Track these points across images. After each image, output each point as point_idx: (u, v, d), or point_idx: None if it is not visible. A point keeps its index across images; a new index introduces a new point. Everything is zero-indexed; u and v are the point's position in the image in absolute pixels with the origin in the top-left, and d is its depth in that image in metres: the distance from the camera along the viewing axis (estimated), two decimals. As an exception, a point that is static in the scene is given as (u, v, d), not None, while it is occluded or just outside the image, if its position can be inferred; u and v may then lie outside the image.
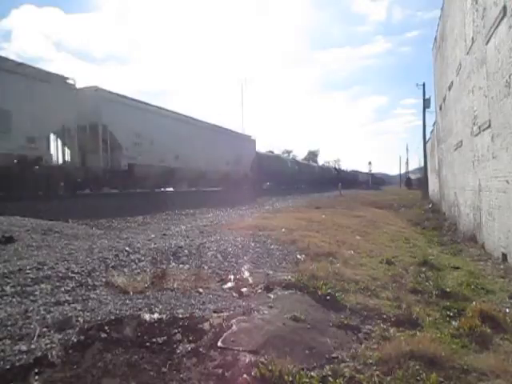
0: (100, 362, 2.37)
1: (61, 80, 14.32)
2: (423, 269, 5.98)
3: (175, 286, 3.92)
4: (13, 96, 12.07)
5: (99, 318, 2.95)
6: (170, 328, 2.88)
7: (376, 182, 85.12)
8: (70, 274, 3.98)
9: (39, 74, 13.40)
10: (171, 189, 21.99)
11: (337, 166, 71.92)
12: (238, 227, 8.21)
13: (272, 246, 6.40)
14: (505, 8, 5.91)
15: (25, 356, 2.34)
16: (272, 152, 42.22)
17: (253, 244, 6.39)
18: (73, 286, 3.69)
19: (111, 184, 16.82)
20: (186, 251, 5.47)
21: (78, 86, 15.09)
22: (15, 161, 12.30)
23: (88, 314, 3.03)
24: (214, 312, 3.30)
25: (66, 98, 14.10)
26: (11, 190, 12.56)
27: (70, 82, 14.71)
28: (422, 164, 35.31)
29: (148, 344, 2.63)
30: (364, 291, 4.43)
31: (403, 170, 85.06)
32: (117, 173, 16.19)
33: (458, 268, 6.33)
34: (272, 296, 3.92)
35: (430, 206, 20.89)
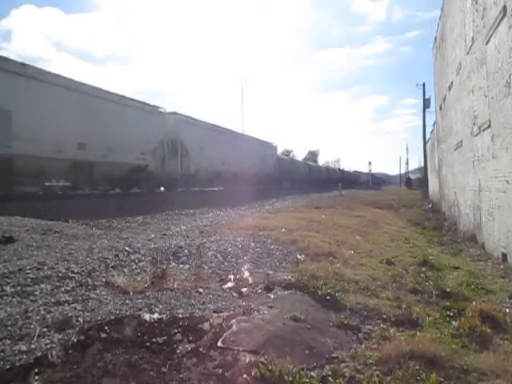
0: (100, 361, 2.37)
1: (156, 109, 19.36)
2: (423, 269, 5.99)
3: (175, 285, 3.92)
4: (130, 124, 16.94)
5: (99, 318, 2.95)
6: (170, 328, 2.88)
7: (376, 182, 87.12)
8: (69, 273, 3.98)
9: (144, 107, 18.46)
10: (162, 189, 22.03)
11: (340, 167, 76.22)
12: (238, 227, 8.21)
13: (272, 246, 6.40)
14: (505, 8, 5.91)
15: (25, 356, 2.34)
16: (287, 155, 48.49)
17: (253, 244, 6.39)
18: (73, 286, 3.69)
19: (182, 184, 21.34)
20: (186, 251, 5.47)
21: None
22: (133, 168, 17.48)
23: (88, 313, 3.03)
24: (214, 312, 3.30)
25: (159, 122, 19.09)
26: (129, 188, 18.19)
27: (161, 110, 19.77)
28: (422, 164, 35.34)
29: (148, 344, 2.63)
30: (364, 291, 4.43)
31: (403, 170, 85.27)
32: (187, 176, 21.17)
33: (457, 268, 6.33)
34: (272, 296, 3.92)
35: (430, 206, 20.90)
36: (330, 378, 2.45)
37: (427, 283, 5.02)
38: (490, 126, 7.26)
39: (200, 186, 23.73)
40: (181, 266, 4.86)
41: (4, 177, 11.85)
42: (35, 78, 12.73)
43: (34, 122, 12.27)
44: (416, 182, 52.98)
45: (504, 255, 6.61)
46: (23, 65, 12.72)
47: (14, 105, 11.86)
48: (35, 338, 2.55)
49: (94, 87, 15.62)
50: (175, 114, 21.12)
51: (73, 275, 3.96)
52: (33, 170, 12.70)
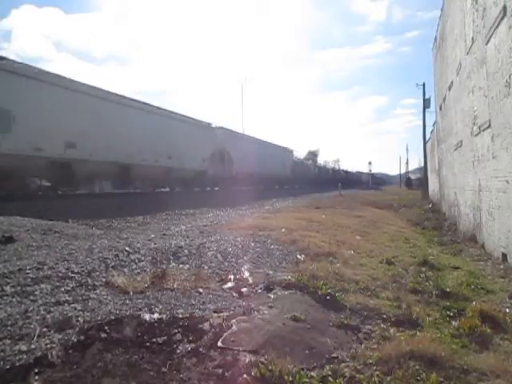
0: (100, 362, 2.37)
1: (209, 125, 25.05)
2: (423, 269, 5.99)
3: (175, 285, 3.92)
4: (195, 138, 22.49)
5: (99, 318, 2.94)
6: (170, 328, 2.88)
7: (376, 182, 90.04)
8: (69, 273, 3.98)
9: (202, 124, 24.13)
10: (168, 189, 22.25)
11: (344, 168, 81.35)
12: (238, 227, 8.21)
13: (272, 246, 6.40)
14: (505, 8, 5.91)
15: (25, 356, 2.34)
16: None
17: (253, 244, 6.39)
18: (73, 286, 3.69)
19: (228, 184, 25.88)
20: (186, 251, 5.47)
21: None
22: (197, 172, 23.02)
23: (88, 313, 3.03)
24: (214, 312, 3.30)
25: (212, 136, 24.59)
26: (193, 187, 23.30)
27: (213, 126, 25.45)
28: (422, 164, 35.35)
29: (148, 344, 2.63)
30: (364, 291, 4.43)
31: (403, 170, 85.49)
32: (231, 177, 26.12)
33: (457, 268, 6.33)
34: (272, 296, 3.92)
35: (430, 206, 20.90)
36: (330, 378, 2.45)
37: (427, 283, 5.02)
38: (489, 126, 7.26)
39: (240, 186, 28.72)
40: (181, 265, 4.86)
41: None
42: (123, 105, 17.43)
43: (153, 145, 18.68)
44: (416, 182, 52.98)
45: (504, 255, 6.61)
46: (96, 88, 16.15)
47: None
48: (35, 338, 2.55)
49: (175, 114, 22.03)
50: (222, 128, 26.50)
51: (73, 275, 3.96)
52: (143, 175, 18.80)
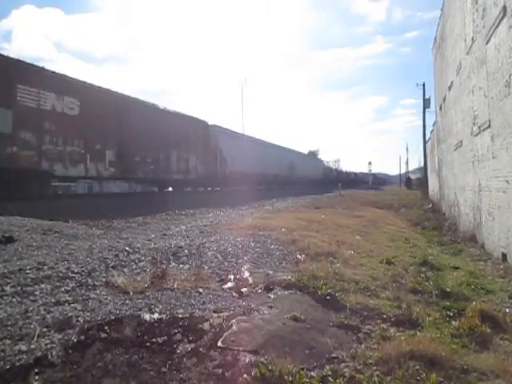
0: (100, 362, 2.37)
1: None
2: (423, 269, 5.99)
3: (175, 286, 3.92)
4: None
5: (99, 318, 2.95)
6: (170, 328, 2.88)
7: (377, 182, 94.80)
8: (70, 273, 3.98)
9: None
10: (170, 189, 22.16)
11: (353, 171, 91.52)
12: (238, 227, 8.21)
13: (272, 246, 6.40)
14: (505, 8, 5.91)
15: (25, 356, 2.34)
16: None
17: (253, 244, 6.38)
18: (73, 286, 3.69)
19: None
20: (186, 251, 5.47)
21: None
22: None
23: (88, 313, 3.03)
24: (214, 312, 3.30)
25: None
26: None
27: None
28: (422, 164, 35.33)
29: (148, 344, 2.63)
30: (364, 291, 4.43)
31: (403, 170, 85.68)
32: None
33: (457, 268, 6.33)
34: (272, 296, 3.92)
35: (430, 206, 20.89)
36: (330, 378, 2.45)
37: (427, 283, 5.02)
38: (489, 125, 7.26)
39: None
40: (181, 265, 4.86)
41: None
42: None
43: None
44: (416, 182, 52.96)
45: (504, 255, 6.61)
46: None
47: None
48: (35, 338, 2.55)
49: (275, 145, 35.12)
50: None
51: (73, 275, 3.96)
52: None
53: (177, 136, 19.33)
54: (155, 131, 17.48)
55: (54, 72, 13.15)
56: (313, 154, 67.99)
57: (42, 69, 12.90)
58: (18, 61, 12.14)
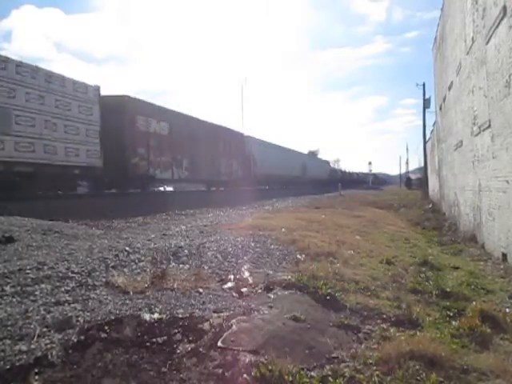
0: (100, 362, 2.37)
1: (241, 134, 29.42)
2: (423, 269, 5.99)
3: (175, 285, 3.92)
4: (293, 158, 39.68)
5: (99, 318, 2.94)
6: (170, 328, 2.88)
7: (377, 182, 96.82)
8: (70, 273, 3.98)
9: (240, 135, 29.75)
10: (171, 189, 22.18)
11: (356, 171, 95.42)
12: (238, 227, 8.21)
13: (272, 246, 6.39)
14: (505, 8, 5.91)
15: (25, 356, 2.34)
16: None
17: (253, 244, 6.38)
18: (73, 286, 3.69)
19: (252, 183, 29.06)
20: (186, 251, 5.47)
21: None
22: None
23: (88, 313, 3.03)
24: (214, 312, 3.30)
25: (242, 143, 28.44)
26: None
27: (245, 135, 29.98)
28: (422, 164, 35.33)
29: (148, 344, 2.63)
30: (364, 291, 4.43)
31: (403, 170, 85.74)
32: (255, 177, 29.51)
33: (457, 268, 6.33)
34: (272, 296, 3.92)
35: (430, 206, 20.89)
36: (329, 378, 2.45)
37: (427, 283, 5.02)
38: (489, 125, 7.26)
39: (264, 185, 34.14)
40: (181, 266, 4.86)
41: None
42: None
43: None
44: (416, 182, 52.98)
45: (504, 255, 6.60)
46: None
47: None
48: (35, 338, 2.55)
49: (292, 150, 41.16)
50: (249, 136, 31.05)
51: (73, 275, 3.96)
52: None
53: (224, 146, 24.92)
54: (212, 143, 23.17)
55: (154, 104, 18.79)
56: (313, 154, 71.70)
57: (150, 103, 18.38)
58: (136, 99, 17.18)
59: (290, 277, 4.49)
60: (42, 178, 12.73)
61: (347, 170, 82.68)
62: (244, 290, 4.07)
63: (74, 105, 13.96)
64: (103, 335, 2.68)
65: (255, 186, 29.63)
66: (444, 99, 15.39)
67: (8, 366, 2.23)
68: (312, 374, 2.49)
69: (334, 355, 2.82)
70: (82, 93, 14.42)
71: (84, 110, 14.44)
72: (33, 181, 12.39)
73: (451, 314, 3.92)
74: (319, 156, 72.09)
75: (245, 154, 28.25)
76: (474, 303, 4.09)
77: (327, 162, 64.38)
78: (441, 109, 17.28)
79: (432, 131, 26.12)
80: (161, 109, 19.04)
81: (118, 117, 15.55)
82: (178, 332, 2.83)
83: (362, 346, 3.04)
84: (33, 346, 2.45)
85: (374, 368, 2.61)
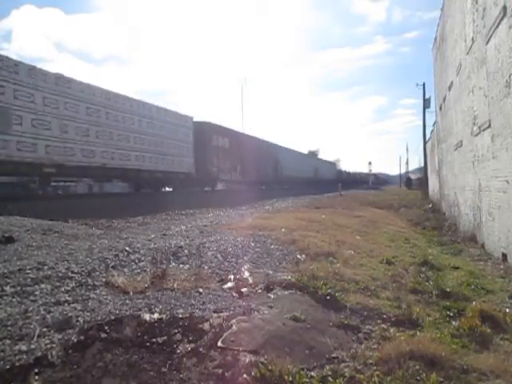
0: (100, 361, 2.37)
1: (270, 143, 34.82)
2: (423, 269, 5.98)
3: (175, 285, 3.92)
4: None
5: (99, 318, 2.95)
6: (170, 328, 2.88)
7: (378, 182, 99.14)
8: (69, 273, 3.98)
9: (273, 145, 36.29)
10: (171, 189, 22.24)
11: (359, 171, 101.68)
12: (238, 227, 8.21)
13: (272, 246, 6.40)
14: (505, 8, 5.91)
15: (25, 356, 2.34)
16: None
17: (253, 244, 6.38)
18: (73, 286, 3.69)
19: (279, 183, 36.29)
20: (186, 251, 5.47)
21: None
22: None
23: (88, 313, 3.03)
24: (214, 312, 3.30)
25: (271, 150, 34.03)
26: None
27: (272, 143, 36.05)
28: (422, 164, 35.33)
29: (148, 344, 2.63)
30: (364, 291, 4.43)
31: (403, 170, 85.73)
32: (281, 178, 36.28)
33: (457, 268, 6.33)
34: (272, 296, 3.92)
35: (430, 206, 20.88)
36: (329, 378, 2.45)
37: (427, 283, 5.02)
38: (489, 126, 7.26)
39: (288, 185, 38.68)
40: (181, 265, 4.86)
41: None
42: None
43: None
44: (416, 182, 53.00)
45: (504, 255, 6.60)
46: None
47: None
48: (35, 338, 2.55)
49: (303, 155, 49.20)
50: (275, 144, 36.63)
51: (73, 275, 3.96)
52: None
53: (262, 154, 31.59)
54: (254, 152, 29.62)
55: (222, 125, 25.79)
56: (313, 154, 75.63)
57: (219, 125, 25.34)
58: (212, 123, 24.35)
59: (290, 277, 4.49)
60: (166, 180, 20.38)
61: (351, 171, 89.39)
62: (244, 289, 4.07)
63: (181, 131, 21.21)
64: (103, 335, 2.68)
65: (281, 186, 36.50)
66: (444, 99, 15.39)
67: (8, 366, 2.23)
68: (312, 373, 2.49)
69: (334, 355, 2.82)
70: (185, 122, 21.78)
71: (186, 134, 21.70)
72: (161, 181, 20.15)
73: (451, 314, 3.92)
74: (319, 156, 74.54)
75: (274, 160, 34.75)
76: (474, 303, 4.09)
77: (335, 165, 74.43)
78: (441, 109, 17.28)
79: (432, 131, 26.12)
80: (224, 128, 26.18)
81: (202, 137, 22.75)
82: (178, 332, 2.83)
83: (362, 346, 3.04)
84: (33, 346, 2.45)
85: (374, 368, 2.61)
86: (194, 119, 24.66)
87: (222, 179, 26.06)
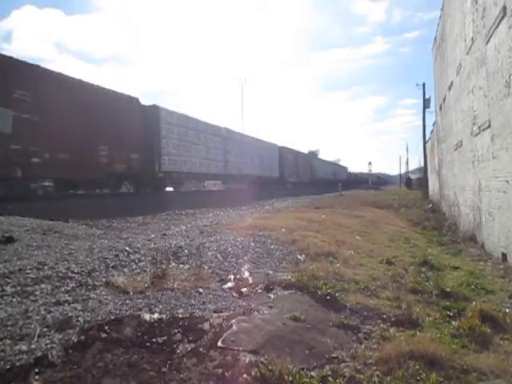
0: (100, 362, 2.37)
1: (307, 154, 52.91)
2: (423, 269, 5.98)
3: (175, 285, 3.92)
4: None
5: (99, 318, 2.95)
6: (170, 328, 2.88)
7: (378, 182, 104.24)
8: (70, 273, 3.98)
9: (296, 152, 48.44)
10: (171, 189, 22.22)
11: (363, 172, 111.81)
12: (238, 227, 8.21)
13: (272, 246, 6.40)
14: (505, 8, 5.91)
15: (25, 356, 2.34)
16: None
17: (253, 244, 6.39)
18: (73, 286, 3.69)
19: (314, 184, 44.69)
20: (186, 251, 5.47)
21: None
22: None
23: (88, 313, 3.03)
24: (214, 312, 3.30)
25: (310, 159, 50.09)
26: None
27: (309, 153, 58.29)
28: (422, 164, 35.33)
29: (148, 344, 2.63)
30: (364, 291, 4.43)
31: (403, 170, 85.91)
32: (315, 180, 46.97)
33: (457, 268, 6.33)
34: (272, 296, 3.92)
35: (430, 206, 20.87)
36: (329, 378, 2.45)
37: (427, 283, 5.02)
38: (489, 126, 7.26)
39: (321, 183, 49.18)
40: (181, 265, 4.86)
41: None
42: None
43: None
44: (416, 182, 53.03)
45: (504, 255, 6.61)
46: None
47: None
48: (35, 338, 2.55)
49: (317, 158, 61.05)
50: (312, 152, 59.47)
51: (73, 275, 3.96)
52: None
53: (297, 160, 41.84)
54: (300, 161, 42.00)
55: (287, 146, 39.59)
56: (314, 154, 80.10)
57: (287, 147, 39.42)
58: (283, 146, 38.61)
59: (290, 277, 4.50)
60: (261, 181, 31.92)
61: (357, 172, 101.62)
62: (244, 289, 4.07)
63: (273, 152, 35.88)
64: (103, 335, 2.69)
65: (315, 185, 44.62)
66: (444, 99, 15.39)
67: (8, 366, 2.23)
68: (312, 373, 2.50)
69: (333, 355, 2.82)
70: (273, 146, 36.42)
71: (274, 154, 36.17)
72: (257, 182, 30.80)
73: (451, 314, 3.92)
74: (320, 156, 78.38)
75: (310, 166, 47.11)
76: (474, 303, 4.09)
77: (346, 168, 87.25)
78: (441, 109, 17.28)
79: (432, 131, 26.11)
80: (288, 147, 39.26)
81: (277, 152, 36.88)
82: (178, 332, 2.84)
83: (362, 346, 3.04)
84: (33, 346, 2.45)
85: (374, 368, 2.61)
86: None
87: (289, 181, 39.31)
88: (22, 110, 12.03)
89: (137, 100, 18.11)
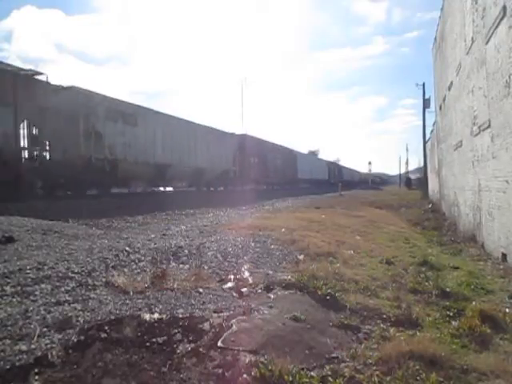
0: (100, 361, 2.37)
1: (292, 151, 44.40)
2: (423, 269, 5.98)
3: (175, 285, 3.92)
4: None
5: (99, 318, 2.95)
6: (170, 328, 2.88)
7: (378, 182, 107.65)
8: (70, 273, 3.98)
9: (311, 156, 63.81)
10: (171, 189, 22.22)
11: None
12: (238, 227, 8.21)
13: (272, 246, 6.40)
14: (504, 8, 5.91)
15: (25, 356, 2.34)
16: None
17: (253, 244, 6.39)
18: (73, 286, 3.69)
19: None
20: (186, 251, 5.47)
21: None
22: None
23: (88, 313, 3.03)
24: (214, 312, 3.30)
25: (293, 156, 43.45)
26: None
27: (295, 151, 46.05)
28: (422, 164, 35.34)
29: (148, 344, 2.63)
30: (364, 291, 4.43)
31: (403, 170, 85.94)
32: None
33: (457, 268, 6.33)
34: (272, 296, 3.92)
35: (430, 206, 20.87)
36: (329, 378, 2.45)
37: (427, 283, 5.02)
38: (489, 126, 7.26)
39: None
40: (181, 265, 4.86)
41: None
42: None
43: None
44: (416, 182, 53.00)
45: (504, 255, 6.60)
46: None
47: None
48: (35, 338, 2.55)
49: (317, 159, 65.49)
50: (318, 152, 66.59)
51: (73, 275, 3.96)
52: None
53: (333, 168, 55.49)
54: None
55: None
56: (314, 154, 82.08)
57: (302, 153, 50.93)
58: (298, 152, 46.94)
59: (290, 277, 4.50)
60: (313, 181, 49.15)
61: (363, 173, 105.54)
62: (244, 289, 4.07)
63: (323, 168, 56.96)
64: (103, 335, 2.68)
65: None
66: (444, 99, 15.39)
67: (8, 366, 2.23)
68: (312, 373, 2.49)
69: (333, 355, 2.82)
70: (323, 163, 58.68)
71: (324, 169, 57.20)
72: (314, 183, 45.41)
73: (451, 314, 3.92)
74: (320, 156, 79.01)
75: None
76: (474, 303, 4.09)
77: (353, 170, 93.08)
78: (441, 109, 17.28)
79: (432, 131, 26.12)
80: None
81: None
82: (178, 332, 2.83)
83: (362, 346, 3.04)
84: (33, 346, 2.45)
85: (374, 368, 2.61)
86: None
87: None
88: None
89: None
